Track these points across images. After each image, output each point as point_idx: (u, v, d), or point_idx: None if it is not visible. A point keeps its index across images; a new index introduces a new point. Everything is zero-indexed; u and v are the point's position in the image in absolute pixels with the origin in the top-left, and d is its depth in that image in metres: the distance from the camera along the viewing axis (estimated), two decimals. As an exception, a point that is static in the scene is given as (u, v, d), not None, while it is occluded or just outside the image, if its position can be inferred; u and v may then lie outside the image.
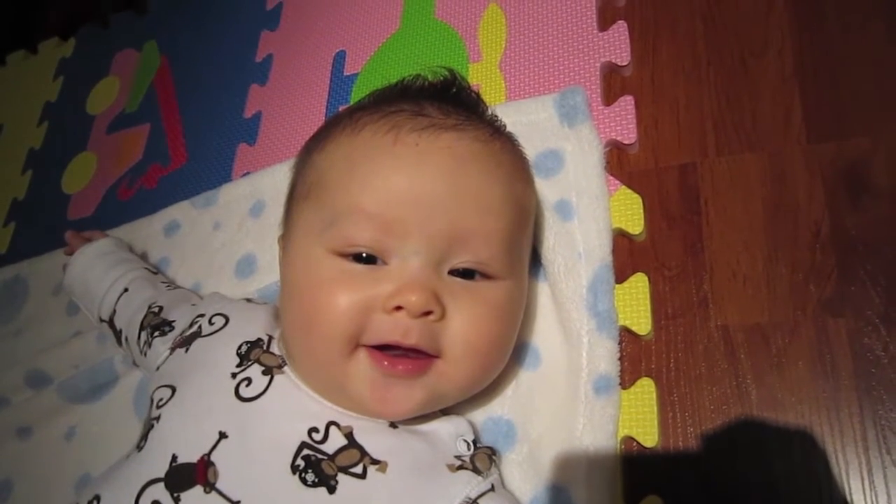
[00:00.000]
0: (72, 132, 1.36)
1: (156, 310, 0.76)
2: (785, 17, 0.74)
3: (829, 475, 0.55)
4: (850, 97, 0.68)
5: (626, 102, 0.75)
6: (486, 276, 0.58)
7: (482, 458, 0.57)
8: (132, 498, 0.53)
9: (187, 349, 0.66)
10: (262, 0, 1.23)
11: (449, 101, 0.63)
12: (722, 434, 0.59)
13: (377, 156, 0.57)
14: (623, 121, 0.75)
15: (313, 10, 1.14)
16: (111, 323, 0.82)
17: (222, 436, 0.55)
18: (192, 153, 1.14)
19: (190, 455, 0.54)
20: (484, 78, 0.88)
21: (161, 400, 0.60)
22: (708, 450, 0.59)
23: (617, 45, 0.80)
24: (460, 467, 0.55)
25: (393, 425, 0.58)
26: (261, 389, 0.58)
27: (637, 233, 0.69)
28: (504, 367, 0.63)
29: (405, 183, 0.56)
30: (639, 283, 0.67)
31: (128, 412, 0.88)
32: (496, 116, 0.67)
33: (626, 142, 0.74)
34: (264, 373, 0.60)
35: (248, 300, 0.76)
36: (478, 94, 0.68)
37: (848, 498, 0.54)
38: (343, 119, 0.62)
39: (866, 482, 0.54)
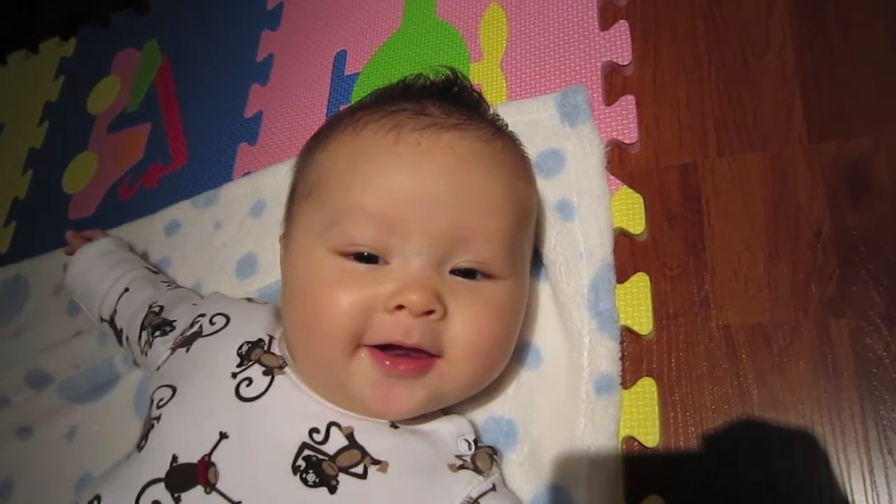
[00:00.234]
0: (72, 132, 1.36)
1: (157, 309, 0.76)
2: (786, 16, 0.74)
3: (831, 475, 0.55)
4: (851, 97, 0.68)
5: (628, 102, 0.75)
6: (488, 276, 0.58)
7: (483, 457, 0.57)
8: (132, 498, 0.53)
9: (188, 349, 0.66)
10: (262, 0, 1.23)
11: (451, 100, 0.63)
12: (723, 434, 0.59)
13: (379, 155, 0.57)
14: (624, 120, 0.75)
15: (314, 9, 1.14)
16: (112, 322, 0.82)
17: (223, 436, 0.55)
18: (192, 153, 1.14)
19: (190, 455, 0.54)
20: (485, 77, 0.88)
21: (161, 400, 0.60)
22: (709, 450, 0.59)
23: (618, 45, 0.80)
24: (461, 467, 0.55)
25: (394, 425, 0.58)
26: (261, 390, 0.58)
27: (638, 232, 0.69)
28: (505, 366, 0.63)
29: (407, 182, 0.56)
30: (640, 283, 0.66)
31: (128, 412, 0.88)
32: (498, 116, 0.67)
33: (627, 141, 0.74)
34: (265, 373, 0.59)
35: (249, 300, 0.76)
36: (479, 94, 0.68)
37: (849, 498, 0.54)
38: (345, 118, 0.62)
39: (868, 482, 0.54)
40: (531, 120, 0.76)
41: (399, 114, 0.59)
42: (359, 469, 0.53)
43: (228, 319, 0.67)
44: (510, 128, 0.67)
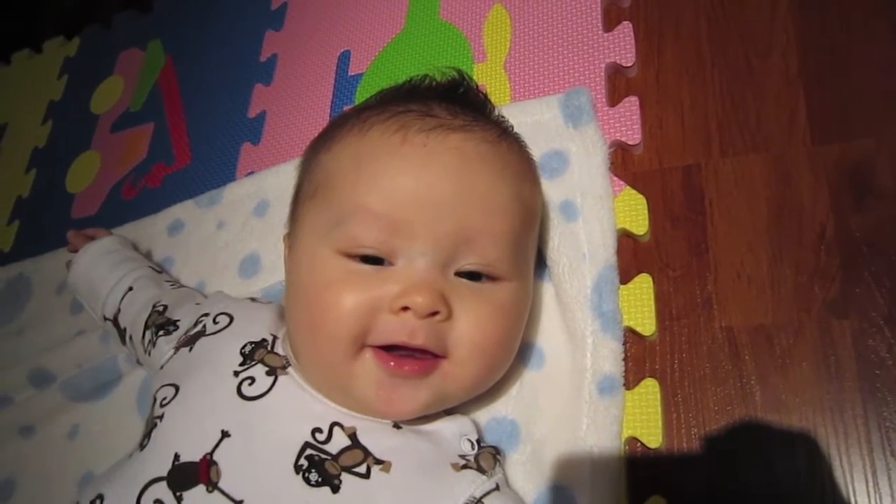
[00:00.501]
0: (76, 131, 1.36)
1: (160, 309, 0.76)
2: (789, 18, 0.74)
3: (833, 477, 0.55)
4: (854, 98, 0.68)
5: (631, 103, 0.75)
6: (492, 278, 0.58)
7: (486, 457, 0.57)
8: (134, 497, 0.53)
9: (191, 348, 0.66)
10: (266, 0, 1.23)
11: (457, 101, 0.63)
12: (726, 435, 0.59)
13: (385, 156, 0.57)
14: (628, 121, 0.75)
15: (318, 9, 1.14)
16: (115, 322, 0.82)
17: (224, 435, 0.55)
18: (195, 152, 1.14)
19: (192, 454, 0.54)
20: (488, 78, 0.88)
21: (164, 399, 0.60)
22: (712, 451, 0.59)
23: (622, 46, 0.80)
24: (465, 466, 0.55)
25: (396, 425, 0.58)
26: (264, 389, 0.58)
27: (641, 233, 0.69)
28: (509, 367, 0.63)
29: (412, 183, 0.56)
30: (643, 284, 0.66)
31: (131, 411, 0.88)
32: (503, 117, 0.67)
33: (630, 142, 0.74)
34: (268, 373, 0.59)
35: (253, 300, 0.76)
36: (485, 95, 0.68)
37: (852, 500, 0.54)
38: (350, 119, 0.62)
39: (870, 484, 0.54)
40: (534, 121, 0.76)
41: (405, 115, 0.59)
42: (362, 469, 0.53)
43: (232, 319, 0.68)
44: (514, 129, 0.67)
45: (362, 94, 0.98)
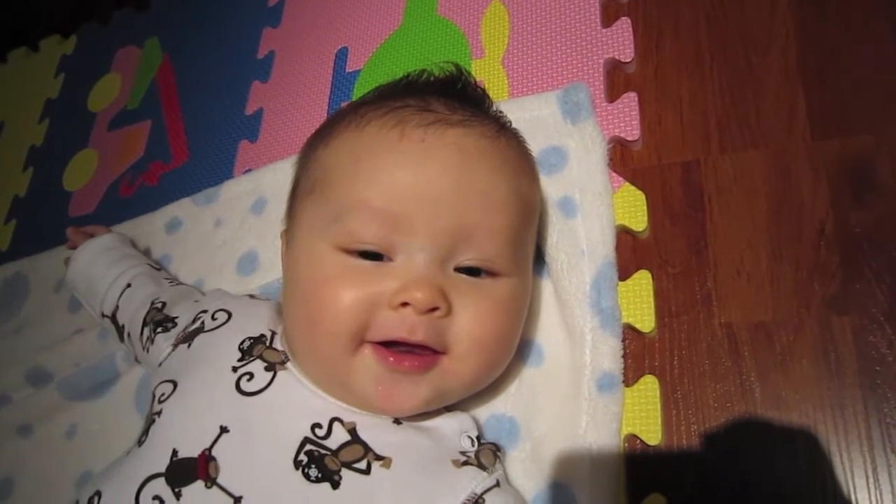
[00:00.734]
0: (73, 129, 1.35)
1: (159, 306, 0.76)
2: (789, 14, 0.74)
3: (833, 473, 0.55)
4: (853, 94, 0.68)
5: (630, 99, 0.75)
6: (492, 274, 0.58)
7: (487, 454, 0.57)
8: (133, 493, 0.53)
9: (189, 345, 0.66)
10: (263, -3, 1.23)
11: (455, 96, 0.63)
12: (725, 432, 0.59)
13: (383, 151, 0.57)
14: (626, 117, 0.75)
15: (315, 6, 1.14)
16: (114, 319, 0.82)
17: (223, 430, 0.54)
18: (193, 150, 1.14)
19: (191, 450, 0.54)
20: (487, 74, 0.88)
21: (163, 395, 0.60)
22: (711, 448, 0.59)
23: (620, 42, 0.80)
24: (465, 463, 0.55)
25: (397, 421, 0.57)
26: (263, 385, 0.58)
27: (640, 230, 0.69)
28: (508, 364, 0.63)
29: (411, 178, 0.55)
30: (642, 281, 0.66)
31: (129, 410, 0.88)
32: (501, 112, 0.67)
33: (629, 138, 0.74)
34: (267, 369, 0.59)
35: (251, 296, 0.76)
36: (483, 90, 0.68)
37: (852, 496, 0.54)
38: (348, 114, 0.62)
39: (871, 480, 0.54)
40: (533, 117, 0.76)
41: (403, 110, 0.59)
42: (362, 464, 0.53)
43: (230, 315, 0.67)
44: (512, 125, 0.67)
45: (360, 91, 0.97)
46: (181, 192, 1.06)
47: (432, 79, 0.67)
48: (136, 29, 1.43)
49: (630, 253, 0.69)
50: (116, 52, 1.42)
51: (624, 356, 0.63)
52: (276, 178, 0.92)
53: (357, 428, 0.55)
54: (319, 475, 0.52)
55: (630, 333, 0.66)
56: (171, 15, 1.40)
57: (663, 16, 0.80)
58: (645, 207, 0.70)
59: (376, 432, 0.55)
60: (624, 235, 0.70)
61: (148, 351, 0.74)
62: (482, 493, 0.53)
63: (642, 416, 0.61)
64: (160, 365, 0.68)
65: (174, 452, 0.54)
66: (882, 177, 0.63)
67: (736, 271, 0.65)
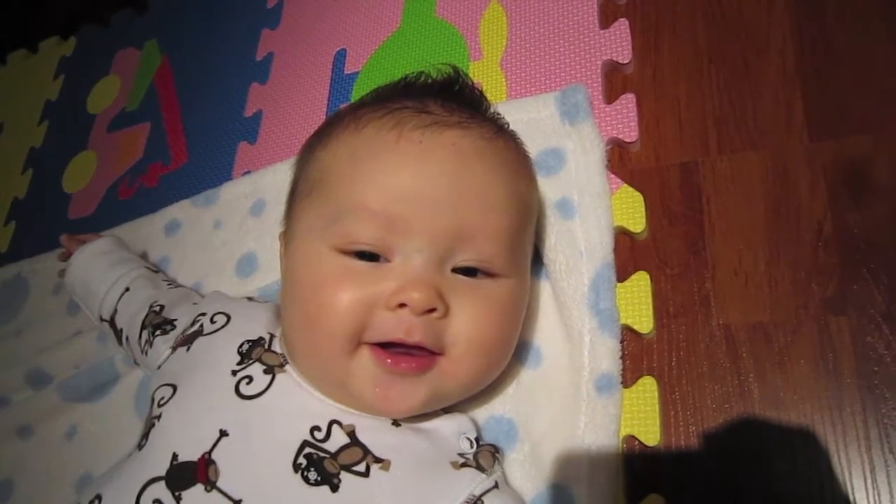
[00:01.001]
0: (72, 131, 1.35)
1: (157, 309, 0.76)
2: (786, 15, 0.74)
3: (832, 474, 0.55)
4: (851, 95, 0.68)
5: (628, 100, 0.75)
6: (489, 274, 0.58)
7: (486, 455, 0.57)
8: (133, 497, 0.53)
9: (188, 348, 0.66)
10: (262, -1, 1.23)
11: (452, 98, 0.63)
12: (724, 433, 0.59)
13: (381, 153, 0.57)
14: (624, 119, 0.75)
15: (314, 8, 1.14)
16: (112, 322, 0.82)
17: (223, 434, 0.54)
18: (192, 152, 1.14)
19: (191, 453, 0.54)
20: (485, 76, 0.88)
21: (162, 399, 0.60)
22: (710, 448, 0.59)
23: (618, 43, 0.80)
24: (464, 465, 0.55)
25: (395, 423, 0.57)
26: (262, 388, 0.58)
27: (639, 231, 0.69)
28: (506, 365, 0.63)
29: (409, 180, 0.56)
30: (640, 282, 0.66)
31: (128, 411, 0.88)
32: (499, 114, 0.67)
33: (627, 140, 0.74)
34: (266, 371, 0.59)
35: (250, 299, 0.76)
36: (481, 92, 0.68)
37: (850, 496, 0.54)
38: (346, 116, 0.62)
39: (869, 481, 0.54)
40: (531, 118, 0.76)
41: (401, 111, 0.59)
42: (361, 467, 0.53)
43: (229, 318, 0.67)
44: (510, 126, 0.67)
45: (358, 93, 0.98)
46: (180, 193, 1.06)
47: (430, 81, 0.67)
48: (136, 31, 1.43)
49: (628, 254, 0.69)
50: (116, 54, 1.42)
51: (622, 357, 0.63)
52: (276, 179, 0.93)
53: (356, 430, 0.55)
54: (319, 478, 0.52)
55: (628, 334, 0.66)
56: (170, 17, 1.40)
57: (661, 17, 0.80)
58: (643, 209, 0.70)
59: (375, 434, 0.55)
60: (622, 237, 0.70)
61: (146, 354, 0.74)
62: (481, 495, 0.53)
63: (641, 416, 0.61)
64: (159, 368, 0.68)
65: (174, 456, 0.54)
66: (880, 178, 0.63)
67: (734, 272, 0.65)
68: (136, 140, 1.24)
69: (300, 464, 0.52)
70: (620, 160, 0.74)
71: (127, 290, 0.82)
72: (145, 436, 0.58)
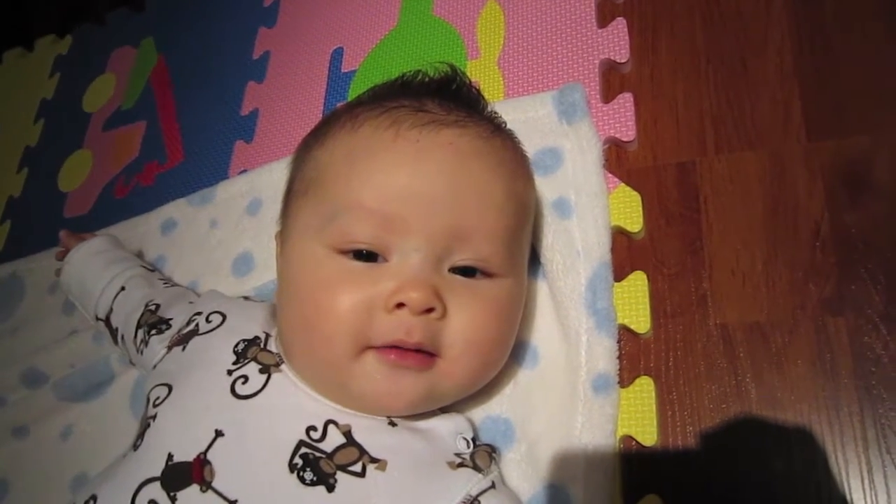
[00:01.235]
0: (68, 130, 1.35)
1: (153, 308, 0.76)
2: (784, 15, 0.74)
3: (829, 474, 0.55)
4: (849, 95, 0.68)
5: (625, 100, 0.75)
6: (487, 274, 0.58)
7: (482, 455, 0.57)
8: (128, 497, 0.52)
9: (184, 347, 0.66)
10: (259, -3, 1.23)
11: (449, 97, 0.63)
12: (721, 433, 0.59)
13: (378, 151, 0.57)
14: (622, 118, 0.75)
15: (311, 6, 1.14)
16: (107, 321, 0.82)
17: (218, 434, 0.54)
18: (188, 151, 1.14)
19: (186, 454, 0.53)
20: (482, 75, 0.87)
21: (157, 398, 0.60)
22: (707, 448, 0.59)
23: (616, 43, 0.80)
24: (461, 465, 0.55)
25: (392, 423, 0.57)
26: (258, 388, 0.58)
27: (636, 231, 0.69)
28: (503, 365, 0.63)
29: (406, 179, 0.55)
30: (638, 282, 0.66)
31: (124, 411, 0.88)
32: (496, 113, 0.67)
33: (624, 139, 0.73)
34: (261, 371, 0.59)
35: (246, 298, 0.76)
36: (478, 91, 0.68)
37: (847, 496, 0.54)
38: (343, 115, 0.62)
39: (866, 481, 0.54)
40: (528, 117, 0.76)
41: (398, 110, 0.58)
42: (357, 467, 0.53)
43: (225, 317, 0.67)
44: (508, 125, 0.67)
45: (355, 91, 0.97)
46: (176, 192, 1.06)
47: (427, 79, 0.67)
48: (131, 29, 1.42)
49: (625, 254, 0.69)
50: (111, 53, 1.41)
51: (619, 357, 0.63)
52: (272, 178, 0.92)
53: (352, 430, 0.55)
54: (314, 478, 0.51)
55: (625, 334, 0.66)
56: (166, 15, 1.39)
57: (659, 16, 0.80)
58: (640, 208, 0.69)
59: (371, 434, 0.55)
60: (619, 236, 0.70)
61: (142, 353, 0.74)
62: (477, 495, 0.53)
63: (638, 416, 0.61)
64: (154, 367, 0.68)
65: (169, 456, 0.54)
66: (878, 178, 0.63)
67: (731, 272, 0.65)
68: (131, 139, 1.23)
69: (296, 464, 0.52)
70: (618, 159, 0.74)
71: (123, 289, 0.82)
72: (140, 436, 0.58)
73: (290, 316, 0.60)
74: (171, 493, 0.52)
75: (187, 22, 1.34)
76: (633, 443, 0.61)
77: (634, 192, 0.70)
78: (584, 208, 0.69)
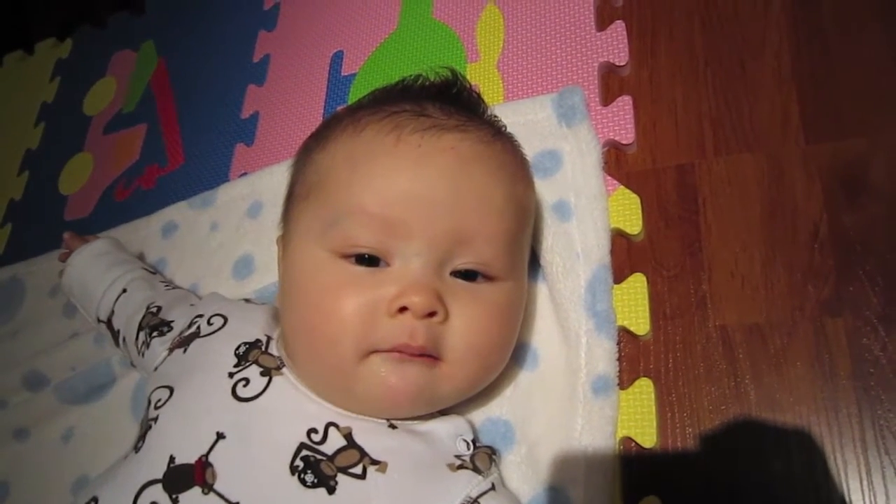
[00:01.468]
0: (68, 133, 1.35)
1: (154, 310, 0.76)
2: (782, 17, 0.74)
3: (828, 475, 0.55)
4: (847, 98, 0.68)
5: (624, 102, 0.75)
6: (488, 278, 0.58)
7: (482, 457, 0.57)
8: (130, 499, 0.53)
9: (185, 349, 0.66)
10: (259, 0, 1.23)
11: (450, 101, 0.63)
12: (720, 434, 0.59)
13: (379, 156, 0.57)
14: (621, 121, 0.75)
15: (311, 9, 1.14)
16: (109, 324, 0.82)
17: (220, 436, 0.54)
18: (189, 154, 1.14)
19: (188, 456, 0.54)
20: (482, 78, 0.88)
21: (159, 401, 0.60)
22: (706, 450, 0.59)
23: (615, 46, 0.80)
24: (460, 467, 0.55)
25: (392, 426, 0.57)
26: (259, 390, 0.58)
27: (635, 233, 0.69)
28: (503, 367, 0.63)
29: (407, 183, 0.56)
30: (637, 284, 0.67)
31: (125, 414, 0.88)
32: (496, 117, 0.67)
33: (624, 142, 0.74)
34: (262, 374, 0.59)
35: (247, 301, 0.76)
36: (478, 95, 0.68)
37: (846, 498, 0.54)
38: (344, 118, 0.62)
39: (864, 482, 0.54)
40: (528, 120, 0.76)
41: (400, 115, 0.59)
42: (357, 469, 0.53)
43: (226, 320, 0.67)
44: (507, 128, 0.67)
45: (355, 95, 0.98)
46: (177, 195, 1.06)
47: (428, 83, 0.67)
48: (132, 33, 1.42)
49: (625, 256, 0.69)
50: (112, 56, 1.41)
51: (619, 359, 0.63)
52: (273, 181, 0.92)
53: (353, 433, 0.55)
54: (315, 480, 0.52)
55: (625, 336, 0.66)
56: (166, 19, 1.40)
57: (657, 19, 0.80)
58: (639, 210, 0.70)
59: (372, 437, 0.55)
60: (619, 238, 0.70)
61: (143, 355, 0.74)
62: (477, 497, 0.53)
63: (637, 418, 0.61)
64: (156, 369, 0.68)
65: (171, 459, 0.54)
66: (875, 180, 0.63)
67: (730, 274, 0.65)
68: (132, 142, 1.24)
69: (297, 466, 0.52)
70: (617, 162, 0.74)
71: (124, 291, 0.82)
72: (142, 438, 0.58)
73: (294, 320, 0.60)
74: (173, 496, 0.52)
75: (188, 25, 1.34)
76: (633, 444, 0.61)
77: (634, 195, 0.70)
78: (584, 211, 0.69)
